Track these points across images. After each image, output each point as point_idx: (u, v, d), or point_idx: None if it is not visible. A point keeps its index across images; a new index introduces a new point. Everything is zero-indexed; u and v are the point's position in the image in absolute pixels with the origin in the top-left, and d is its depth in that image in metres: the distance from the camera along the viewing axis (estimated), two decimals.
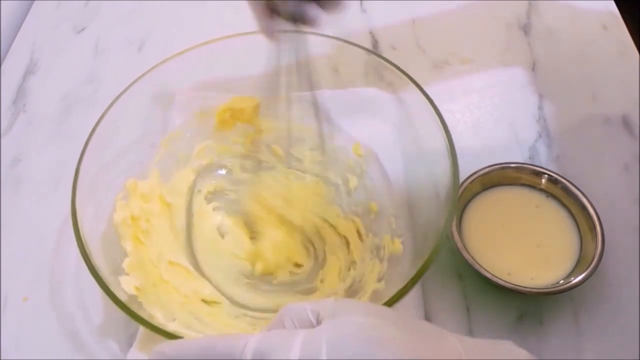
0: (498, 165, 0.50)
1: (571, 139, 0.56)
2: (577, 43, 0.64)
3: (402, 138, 0.51)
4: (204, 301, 0.46)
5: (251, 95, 0.52)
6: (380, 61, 0.49)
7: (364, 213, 0.50)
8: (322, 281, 0.47)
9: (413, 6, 0.69)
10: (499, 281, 0.44)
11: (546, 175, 0.49)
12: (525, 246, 0.47)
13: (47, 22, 0.73)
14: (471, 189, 0.49)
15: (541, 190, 0.49)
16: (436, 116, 0.45)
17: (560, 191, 0.48)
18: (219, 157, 0.54)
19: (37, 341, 0.47)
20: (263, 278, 0.48)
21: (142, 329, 0.45)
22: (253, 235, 0.51)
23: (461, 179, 0.48)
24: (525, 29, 0.65)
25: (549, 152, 0.55)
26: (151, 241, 0.47)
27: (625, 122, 0.56)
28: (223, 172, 0.54)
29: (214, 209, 0.52)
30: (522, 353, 0.29)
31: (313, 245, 0.50)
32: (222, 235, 0.50)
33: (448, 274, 0.48)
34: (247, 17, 0.43)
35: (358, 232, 0.50)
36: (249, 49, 0.49)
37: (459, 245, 0.45)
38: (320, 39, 0.50)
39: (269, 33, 0.42)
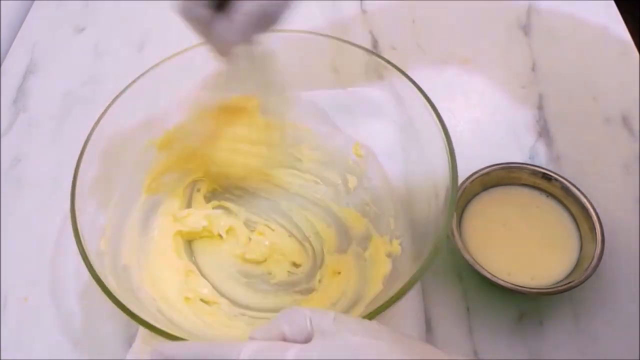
0: (498, 165, 0.50)
1: (571, 139, 0.56)
2: (577, 43, 0.64)
3: (401, 138, 0.51)
4: (203, 300, 0.46)
5: (251, 95, 0.52)
6: (380, 61, 0.49)
7: (363, 214, 0.50)
8: (320, 281, 0.47)
9: (413, 6, 0.69)
10: (499, 281, 0.44)
11: (546, 175, 0.49)
12: (525, 246, 0.47)
13: (47, 22, 0.73)
14: (471, 189, 0.49)
15: (541, 190, 0.49)
16: (435, 116, 0.45)
17: (560, 191, 0.48)
18: None
19: (37, 341, 0.47)
20: (262, 277, 0.48)
21: (141, 329, 0.45)
22: (252, 234, 0.51)
23: (461, 179, 0.48)
24: (525, 29, 0.65)
25: (549, 152, 0.55)
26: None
27: (625, 122, 0.56)
28: None
29: (213, 208, 0.52)
30: None
31: (311, 245, 0.50)
32: (221, 235, 0.50)
33: (448, 274, 0.48)
34: None
35: None
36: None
37: (459, 245, 0.45)
38: (321, 38, 0.50)
39: (221, 51, 0.41)
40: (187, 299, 0.45)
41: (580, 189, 0.48)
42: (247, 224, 0.51)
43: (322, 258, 0.49)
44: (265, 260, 0.49)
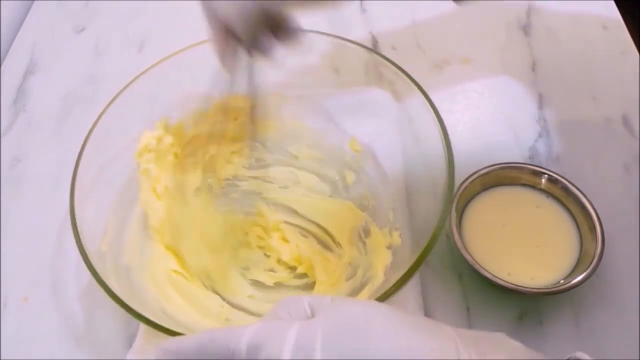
0: (498, 165, 0.50)
1: (571, 139, 0.56)
2: (577, 43, 0.64)
3: (401, 137, 0.51)
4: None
5: (249, 94, 0.52)
6: (380, 60, 0.49)
7: (361, 208, 0.50)
8: (321, 277, 0.47)
9: (413, 6, 0.69)
10: (499, 281, 0.44)
11: (546, 175, 0.49)
12: (525, 246, 0.47)
13: (47, 22, 0.73)
14: (471, 189, 0.49)
15: (541, 190, 0.49)
16: (434, 116, 0.45)
17: (560, 191, 0.48)
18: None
19: (37, 341, 0.47)
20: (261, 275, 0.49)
21: (142, 329, 0.45)
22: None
23: (461, 179, 0.48)
24: (525, 29, 0.65)
25: (549, 152, 0.55)
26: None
27: (625, 122, 0.56)
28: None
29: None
30: (515, 344, 0.30)
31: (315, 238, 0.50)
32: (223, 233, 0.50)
33: (448, 274, 0.48)
34: None
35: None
36: None
37: (459, 245, 0.45)
38: (320, 38, 0.50)
39: (225, 63, 0.42)
40: (189, 297, 0.45)
41: (580, 189, 0.48)
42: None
43: (323, 252, 0.49)
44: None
